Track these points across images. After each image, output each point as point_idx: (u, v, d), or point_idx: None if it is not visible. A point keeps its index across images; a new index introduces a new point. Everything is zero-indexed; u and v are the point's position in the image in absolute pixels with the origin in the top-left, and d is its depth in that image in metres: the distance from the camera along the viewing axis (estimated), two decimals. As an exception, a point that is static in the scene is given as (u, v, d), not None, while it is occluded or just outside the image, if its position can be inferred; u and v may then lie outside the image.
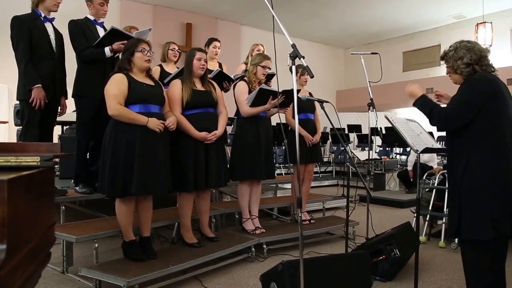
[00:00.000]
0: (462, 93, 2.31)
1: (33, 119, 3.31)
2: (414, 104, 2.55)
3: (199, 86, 3.47)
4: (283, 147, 3.92)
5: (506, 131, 2.26)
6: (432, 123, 2.43)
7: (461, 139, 2.32)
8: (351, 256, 3.21)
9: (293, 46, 2.25)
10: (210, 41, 4.77)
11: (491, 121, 2.24)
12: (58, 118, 3.74)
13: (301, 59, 2.27)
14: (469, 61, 2.30)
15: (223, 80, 4.20)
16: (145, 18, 9.95)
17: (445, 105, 2.49)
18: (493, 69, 2.36)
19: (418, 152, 3.00)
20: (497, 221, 2.19)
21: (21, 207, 1.39)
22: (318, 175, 9.07)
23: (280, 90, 3.49)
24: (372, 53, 4.39)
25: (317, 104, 4.11)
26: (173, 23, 10.63)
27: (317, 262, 2.88)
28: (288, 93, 3.60)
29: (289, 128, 4.31)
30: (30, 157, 1.57)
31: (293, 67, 2.31)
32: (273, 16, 2.36)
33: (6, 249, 1.24)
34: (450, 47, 2.41)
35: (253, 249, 3.72)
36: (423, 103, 2.48)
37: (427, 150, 3.11)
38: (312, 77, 2.36)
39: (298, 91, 3.97)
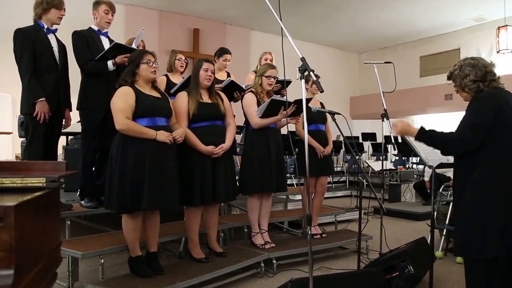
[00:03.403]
0: (471, 114, 2.33)
1: (38, 133, 3.28)
2: (418, 140, 2.49)
3: (206, 98, 3.40)
4: (294, 157, 3.82)
5: None
6: (445, 154, 2.49)
7: (466, 154, 2.32)
8: (363, 273, 3.11)
9: (302, 59, 2.22)
10: (221, 53, 4.67)
11: (499, 135, 2.25)
12: (63, 130, 3.69)
13: (311, 72, 2.23)
14: (475, 77, 2.35)
15: (234, 90, 4.11)
16: (151, 23, 9.56)
17: None
18: (499, 83, 2.40)
19: (433, 168, 2.90)
20: (502, 235, 2.16)
21: (28, 231, 1.41)
22: (331, 185, 8.89)
23: (290, 99, 3.43)
24: (385, 62, 4.24)
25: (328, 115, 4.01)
26: (180, 29, 10.30)
27: (328, 279, 2.81)
28: (300, 103, 3.52)
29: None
30: (36, 178, 1.59)
31: (302, 80, 2.29)
32: (281, 28, 2.30)
33: (14, 274, 1.27)
34: (454, 66, 2.47)
35: (263, 264, 3.62)
36: (431, 138, 2.42)
37: (442, 166, 3.00)
38: (322, 91, 2.31)
39: (310, 99, 3.89)
